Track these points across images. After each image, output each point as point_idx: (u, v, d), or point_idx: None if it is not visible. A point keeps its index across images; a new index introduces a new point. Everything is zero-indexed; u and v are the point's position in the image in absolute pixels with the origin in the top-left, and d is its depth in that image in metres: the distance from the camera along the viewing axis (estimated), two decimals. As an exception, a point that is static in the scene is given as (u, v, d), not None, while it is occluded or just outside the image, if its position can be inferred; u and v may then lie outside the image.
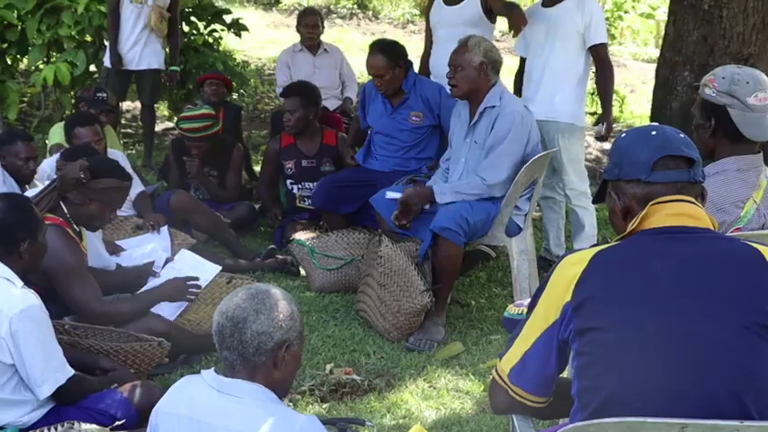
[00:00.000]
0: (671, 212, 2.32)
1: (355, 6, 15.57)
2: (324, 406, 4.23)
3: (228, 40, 9.98)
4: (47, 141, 6.90)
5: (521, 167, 5.04)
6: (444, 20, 6.14)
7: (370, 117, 6.13)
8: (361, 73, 9.18)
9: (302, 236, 5.82)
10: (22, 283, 3.56)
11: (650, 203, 2.33)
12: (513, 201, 5.12)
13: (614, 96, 10.81)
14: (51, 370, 3.54)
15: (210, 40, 9.37)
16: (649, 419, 2.11)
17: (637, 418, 2.12)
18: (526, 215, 5.28)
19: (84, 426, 3.30)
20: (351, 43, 13.15)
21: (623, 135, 2.51)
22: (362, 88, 6.25)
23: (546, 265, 5.58)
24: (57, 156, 5.61)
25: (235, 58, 10.13)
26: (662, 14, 13.11)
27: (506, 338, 2.56)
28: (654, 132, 2.42)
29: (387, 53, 5.82)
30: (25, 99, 9.16)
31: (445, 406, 4.31)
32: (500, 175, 5.02)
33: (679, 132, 2.44)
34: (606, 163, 8.37)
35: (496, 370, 2.49)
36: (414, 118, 5.88)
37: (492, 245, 5.84)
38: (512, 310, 3.27)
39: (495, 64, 5.11)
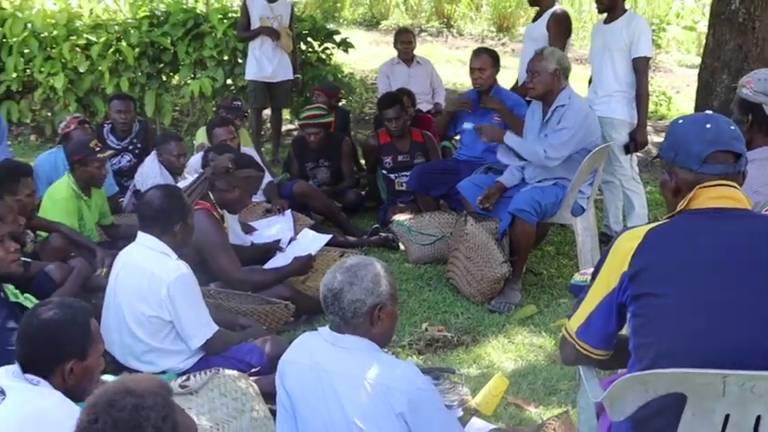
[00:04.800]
0: (714, 195, 2.28)
1: (442, 25, 15.46)
2: (420, 357, 4.26)
3: (338, 56, 10.03)
4: (194, 142, 7.05)
5: (580, 155, 4.99)
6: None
7: (461, 119, 6.12)
8: (447, 81, 9.11)
9: (401, 217, 5.84)
10: (176, 256, 3.66)
11: (696, 187, 2.29)
12: (577, 186, 5.06)
13: (662, 97, 10.64)
14: (200, 326, 3.64)
15: (323, 56, 9.44)
16: (695, 370, 2.09)
17: (683, 369, 2.09)
18: (588, 198, 5.22)
19: (227, 371, 3.37)
20: (439, 56, 13.04)
21: (680, 121, 2.41)
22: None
23: (606, 239, 5.48)
24: (201, 152, 5.73)
25: (343, 71, 10.15)
26: (702, 27, 12.78)
27: (573, 302, 2.54)
28: (709, 125, 2.32)
29: (491, 54, 5.96)
30: (177, 108, 9.36)
31: (522, 358, 4.29)
32: (558, 154, 4.96)
33: (731, 124, 2.35)
34: (654, 153, 8.20)
35: (565, 328, 2.47)
36: (495, 118, 5.84)
37: (560, 223, 5.78)
38: (577, 277, 3.25)
39: (565, 70, 5.06)
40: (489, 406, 3.63)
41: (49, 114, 8.77)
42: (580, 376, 2.64)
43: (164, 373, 3.57)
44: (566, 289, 5.08)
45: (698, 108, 7.32)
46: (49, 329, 2.51)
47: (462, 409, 3.62)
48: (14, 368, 2.51)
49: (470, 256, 4.97)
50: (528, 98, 5.44)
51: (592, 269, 2.51)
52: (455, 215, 5.67)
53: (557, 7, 6.17)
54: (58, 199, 4.90)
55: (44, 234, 4.78)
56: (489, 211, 5.24)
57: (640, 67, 5.55)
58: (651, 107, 10.26)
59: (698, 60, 9.73)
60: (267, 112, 8.37)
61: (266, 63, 7.66)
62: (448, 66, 12.04)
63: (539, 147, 4.98)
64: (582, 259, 5.16)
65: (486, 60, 5.86)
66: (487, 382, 3.74)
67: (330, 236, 5.29)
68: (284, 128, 9.03)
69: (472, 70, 5.89)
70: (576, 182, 5.02)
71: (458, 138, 6.63)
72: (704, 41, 7.72)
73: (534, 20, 6.33)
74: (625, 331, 2.45)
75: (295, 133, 8.28)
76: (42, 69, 8.32)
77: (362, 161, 7.17)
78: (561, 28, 6.10)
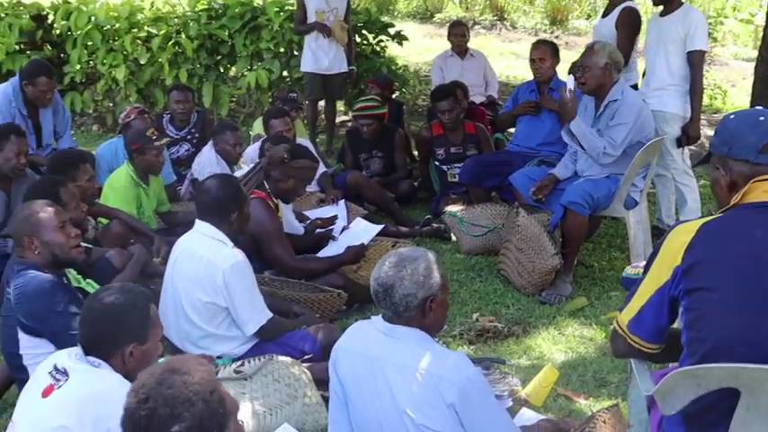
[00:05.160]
0: (769, 189, 2.23)
1: (495, 18, 15.34)
2: (471, 347, 4.25)
3: (392, 48, 10.01)
4: (250, 132, 7.11)
5: (633, 149, 4.92)
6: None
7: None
8: (501, 73, 9.02)
9: (453, 208, 5.83)
10: (232, 244, 3.69)
11: (752, 181, 2.24)
12: (630, 179, 4.98)
13: (717, 90, 10.43)
14: (255, 312, 3.68)
15: (378, 48, 9.44)
16: (748, 366, 2.05)
17: (737, 364, 2.06)
18: (641, 191, 5.14)
19: (281, 358, 3.41)
20: (492, 49, 12.93)
21: (732, 116, 2.38)
22: (515, 92, 6.34)
23: (658, 233, 5.40)
24: (258, 143, 5.78)
25: (397, 63, 10.12)
26: (760, 20, 12.48)
27: (624, 295, 2.51)
28: (762, 118, 2.30)
29: (551, 46, 6.06)
30: (233, 99, 9.45)
31: (572, 350, 4.26)
32: (615, 152, 4.89)
33: None
34: (707, 147, 8.05)
35: (617, 321, 2.45)
36: None
37: (613, 216, 5.70)
38: (629, 270, 3.20)
39: (617, 64, 4.98)
40: (539, 397, 3.60)
41: (111, 105, 8.93)
42: (631, 369, 2.61)
43: (219, 358, 3.61)
44: (617, 282, 5.02)
45: (754, 101, 7.18)
46: (111, 313, 2.55)
47: (512, 399, 3.61)
48: (77, 350, 2.58)
49: (522, 247, 4.93)
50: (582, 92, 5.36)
51: (644, 262, 2.48)
52: (507, 207, 5.63)
53: (628, 3, 5.89)
54: (118, 187, 5.00)
55: (104, 221, 4.88)
56: (542, 203, 5.21)
57: (695, 61, 5.43)
58: (706, 100, 10.08)
59: (754, 54, 9.54)
60: (322, 103, 8.41)
61: (322, 55, 7.68)
62: (501, 59, 11.95)
63: (600, 142, 4.90)
64: (634, 252, 5.10)
65: (545, 51, 5.89)
66: (537, 373, 3.71)
67: (383, 225, 5.31)
68: (339, 119, 9.05)
69: (533, 61, 5.91)
70: (629, 175, 4.95)
71: (511, 130, 6.59)
72: (761, 34, 7.55)
73: (604, 15, 6.14)
74: (677, 325, 2.41)
75: (349, 125, 8.30)
76: (105, 61, 8.48)
77: (415, 153, 7.16)
78: (631, 26, 5.89)
